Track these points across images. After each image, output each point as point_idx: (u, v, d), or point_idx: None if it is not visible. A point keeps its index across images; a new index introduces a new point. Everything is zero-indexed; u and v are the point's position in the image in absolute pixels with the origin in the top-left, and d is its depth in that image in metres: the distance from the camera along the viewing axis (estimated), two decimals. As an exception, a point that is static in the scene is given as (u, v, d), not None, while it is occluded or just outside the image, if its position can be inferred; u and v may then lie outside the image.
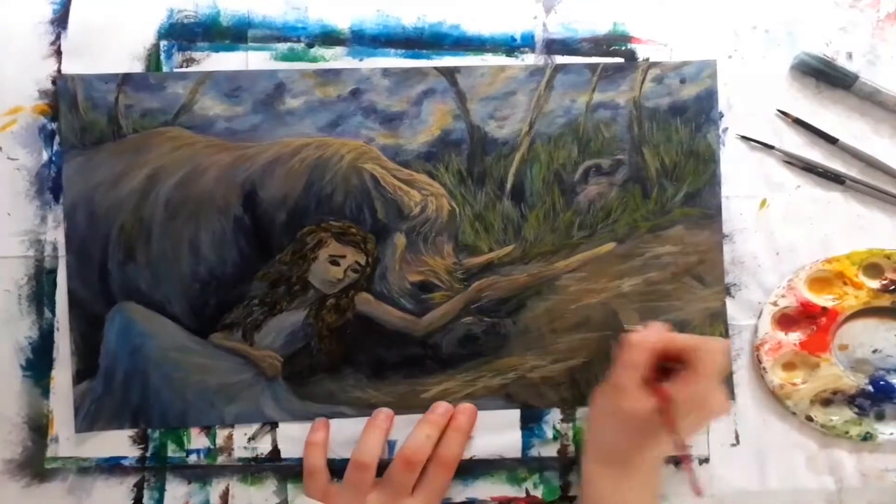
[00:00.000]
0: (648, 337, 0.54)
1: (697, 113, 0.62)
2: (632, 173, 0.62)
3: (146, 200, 0.59)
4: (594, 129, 0.62)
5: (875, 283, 0.62)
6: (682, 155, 0.62)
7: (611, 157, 0.62)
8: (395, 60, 0.61)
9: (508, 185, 0.61)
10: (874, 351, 0.63)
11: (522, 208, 0.61)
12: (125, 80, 0.60)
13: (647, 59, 0.62)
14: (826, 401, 0.62)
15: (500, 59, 0.62)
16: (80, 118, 0.59)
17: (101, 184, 0.59)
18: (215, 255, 0.60)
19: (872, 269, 0.62)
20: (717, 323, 0.62)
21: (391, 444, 0.60)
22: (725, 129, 0.62)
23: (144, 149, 0.60)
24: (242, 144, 0.60)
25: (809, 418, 0.61)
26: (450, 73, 0.61)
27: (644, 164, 0.62)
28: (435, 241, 0.61)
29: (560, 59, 0.62)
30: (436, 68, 0.61)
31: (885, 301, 0.62)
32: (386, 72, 0.61)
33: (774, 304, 0.62)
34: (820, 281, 0.62)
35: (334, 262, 0.61)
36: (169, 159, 0.60)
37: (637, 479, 0.54)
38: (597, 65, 0.62)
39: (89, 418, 0.59)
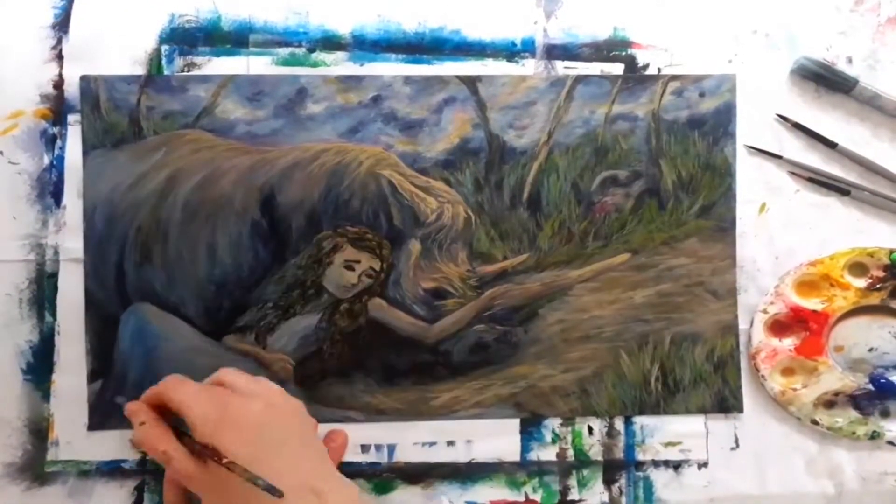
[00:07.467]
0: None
1: (715, 126, 0.62)
2: (648, 185, 0.62)
3: (165, 202, 0.60)
4: (612, 141, 0.62)
5: (861, 283, 0.62)
6: (698, 168, 0.62)
7: (628, 168, 0.62)
8: (395, 66, 0.61)
9: (525, 194, 0.62)
10: (870, 350, 0.63)
11: (538, 217, 0.62)
12: (148, 81, 0.60)
13: (659, 70, 0.62)
14: (829, 403, 0.62)
15: (500, 65, 0.62)
16: (101, 118, 0.59)
17: (120, 184, 0.59)
18: (231, 258, 0.60)
19: (857, 269, 0.62)
20: (729, 336, 0.62)
21: (391, 448, 0.61)
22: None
23: (165, 151, 0.60)
24: (262, 149, 0.60)
25: (815, 422, 0.62)
26: (471, 82, 0.61)
27: (661, 176, 0.62)
28: (450, 249, 0.61)
29: (560, 65, 0.62)
30: (457, 76, 0.61)
31: (875, 299, 0.62)
32: (407, 79, 0.61)
33: (765, 311, 0.62)
34: (807, 284, 0.62)
35: (349, 267, 0.61)
36: (189, 161, 0.60)
37: None
38: (617, 76, 0.62)
39: (102, 417, 0.59)
